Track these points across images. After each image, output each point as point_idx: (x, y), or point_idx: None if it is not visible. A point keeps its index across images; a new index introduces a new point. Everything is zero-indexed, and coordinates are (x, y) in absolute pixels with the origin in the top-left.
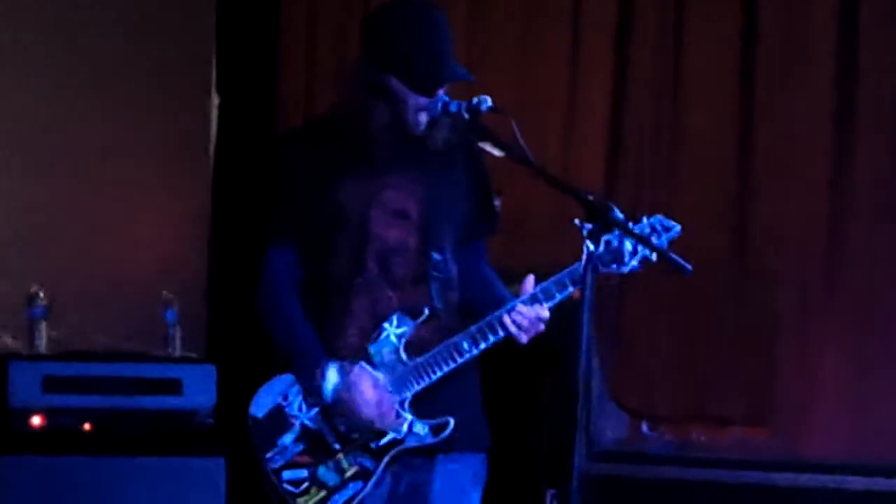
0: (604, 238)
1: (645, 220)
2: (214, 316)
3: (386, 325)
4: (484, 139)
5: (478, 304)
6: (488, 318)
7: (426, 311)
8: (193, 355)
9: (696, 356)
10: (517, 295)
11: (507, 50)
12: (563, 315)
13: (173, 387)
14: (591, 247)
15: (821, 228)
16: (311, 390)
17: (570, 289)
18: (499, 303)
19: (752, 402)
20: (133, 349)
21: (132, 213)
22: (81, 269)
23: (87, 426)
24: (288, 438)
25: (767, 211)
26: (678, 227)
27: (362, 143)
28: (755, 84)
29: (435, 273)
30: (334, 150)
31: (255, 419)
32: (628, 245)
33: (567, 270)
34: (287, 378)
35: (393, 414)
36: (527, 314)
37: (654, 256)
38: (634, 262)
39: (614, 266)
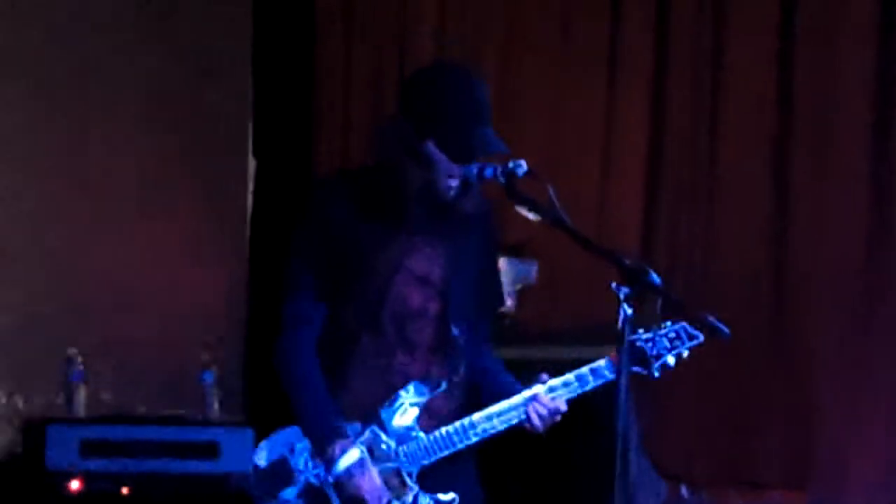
0: (637, 342)
1: (669, 324)
2: (252, 379)
3: (402, 392)
4: (520, 204)
5: (484, 383)
6: (514, 405)
7: (444, 385)
8: (231, 419)
9: (733, 420)
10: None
11: (540, 95)
12: None
13: (210, 450)
14: (628, 310)
15: (855, 299)
16: (322, 457)
17: (592, 384)
18: (508, 387)
19: (790, 466)
20: (171, 412)
21: (170, 277)
22: (119, 332)
23: (124, 490)
24: (290, 493)
25: (805, 271)
26: (702, 337)
27: (393, 200)
28: (792, 121)
29: (452, 344)
30: (366, 202)
31: (257, 468)
32: (653, 350)
33: (589, 367)
34: (295, 430)
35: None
36: (547, 405)
37: (673, 364)
38: (657, 368)
39: (642, 369)
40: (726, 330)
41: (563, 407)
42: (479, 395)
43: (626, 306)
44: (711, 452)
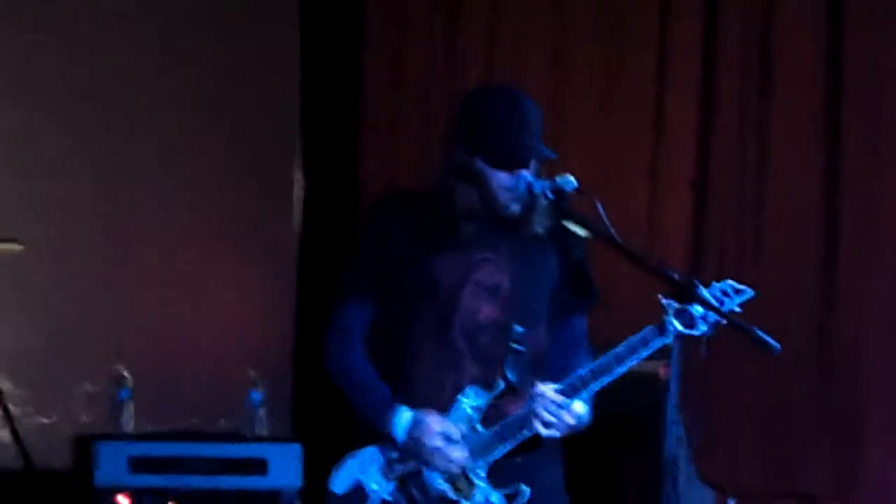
0: (676, 310)
1: (714, 284)
2: (300, 395)
3: (461, 397)
4: (568, 219)
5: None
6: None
7: (501, 385)
8: (279, 435)
9: (782, 432)
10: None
11: (588, 113)
12: (648, 392)
13: (259, 467)
14: (678, 325)
15: None
16: (384, 433)
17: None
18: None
19: (840, 478)
20: (218, 429)
21: (218, 293)
22: (166, 349)
23: None
24: None
25: (853, 279)
26: (750, 291)
27: (453, 222)
28: (842, 136)
29: (514, 346)
30: (426, 224)
31: (334, 495)
32: (699, 308)
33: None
34: (366, 452)
35: (463, 451)
36: (550, 401)
37: (725, 321)
38: (704, 327)
39: (686, 331)
40: (776, 345)
41: (581, 411)
42: None
43: (674, 320)
44: (758, 463)
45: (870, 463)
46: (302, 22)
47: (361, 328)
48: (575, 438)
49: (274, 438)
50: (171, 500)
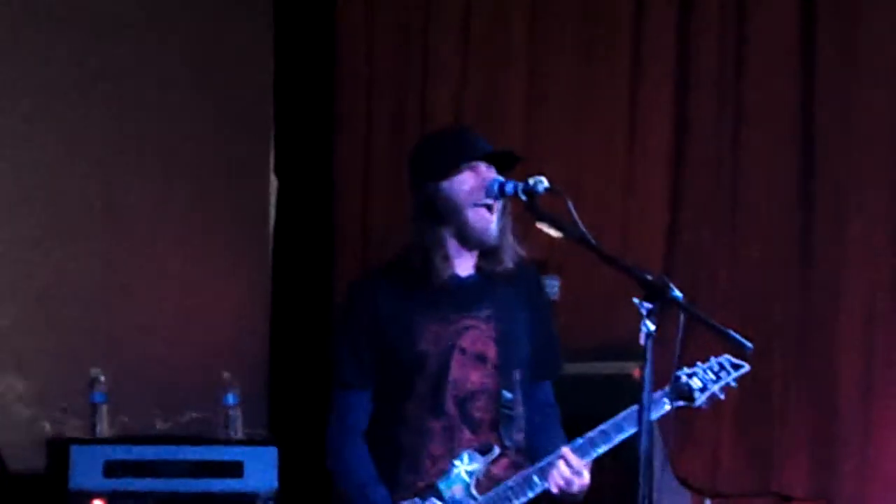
0: (675, 378)
1: (713, 359)
2: (276, 397)
3: (457, 462)
4: (541, 220)
5: (541, 447)
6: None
7: (496, 450)
8: (255, 437)
9: (759, 433)
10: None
11: (563, 106)
12: (623, 393)
13: (234, 470)
14: (651, 326)
15: (885, 316)
16: None
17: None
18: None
19: (816, 478)
20: (193, 432)
21: (192, 296)
22: (141, 352)
23: None
24: None
25: (830, 277)
26: (747, 367)
27: (431, 285)
28: (816, 130)
29: (504, 411)
30: (409, 292)
31: None
32: (697, 382)
33: (620, 416)
34: None
35: None
36: (567, 468)
37: (722, 395)
38: (704, 400)
39: (684, 403)
40: (749, 344)
41: (586, 476)
42: (538, 458)
43: (648, 322)
44: (736, 464)
45: (847, 462)
46: (276, 16)
47: (364, 419)
48: None
49: (250, 441)
50: None
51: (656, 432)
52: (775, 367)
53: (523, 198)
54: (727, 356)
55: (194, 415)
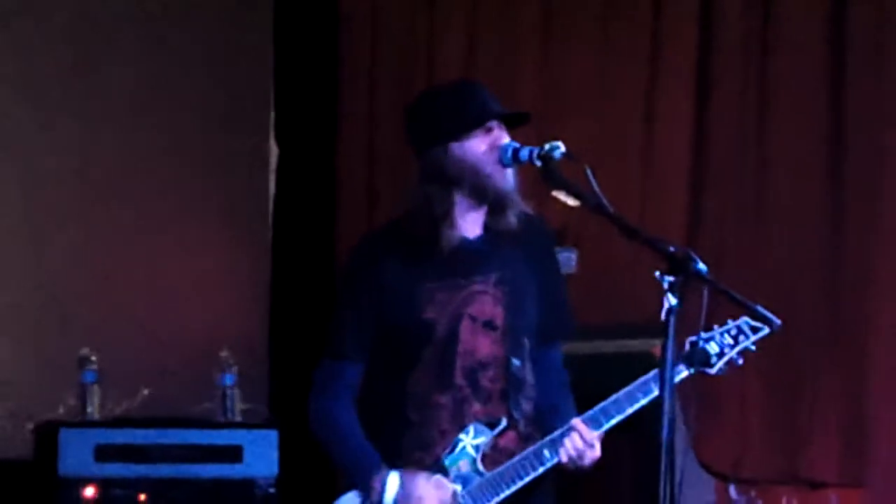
0: (691, 343)
1: (731, 322)
2: (276, 379)
3: (462, 435)
4: (557, 188)
5: (550, 420)
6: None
7: (503, 422)
8: (254, 421)
9: (787, 417)
10: None
11: (581, 87)
12: (642, 372)
13: (233, 454)
14: (673, 300)
15: None
16: (372, 501)
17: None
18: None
19: (846, 464)
20: (190, 415)
21: (189, 275)
22: (136, 331)
23: (142, 497)
24: None
25: (861, 261)
26: (766, 329)
27: (437, 246)
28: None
29: (513, 379)
30: (410, 259)
31: None
32: (714, 347)
33: (635, 384)
34: (350, 497)
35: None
36: (579, 441)
37: (740, 361)
38: (722, 365)
39: (703, 369)
40: (776, 319)
41: (597, 447)
42: (548, 431)
43: (670, 296)
44: (762, 451)
45: (877, 448)
46: (276, 17)
47: (350, 393)
48: None
49: (250, 425)
50: (140, 491)
51: (678, 412)
52: (805, 350)
53: (538, 163)
54: (745, 318)
55: (190, 395)
